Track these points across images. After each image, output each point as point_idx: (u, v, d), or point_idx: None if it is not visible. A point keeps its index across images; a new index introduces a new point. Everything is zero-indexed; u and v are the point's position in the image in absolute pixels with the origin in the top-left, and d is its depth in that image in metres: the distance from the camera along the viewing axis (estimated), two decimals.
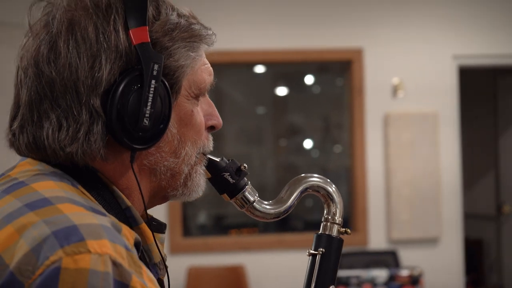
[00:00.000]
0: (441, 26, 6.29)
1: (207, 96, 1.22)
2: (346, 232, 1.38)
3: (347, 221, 6.34)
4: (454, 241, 6.27)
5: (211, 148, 1.24)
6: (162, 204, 4.51)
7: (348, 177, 6.46)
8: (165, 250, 4.27)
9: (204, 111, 1.21)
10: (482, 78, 8.00)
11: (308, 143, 7.46)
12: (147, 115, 1.06)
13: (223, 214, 7.36)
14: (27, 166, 1.10)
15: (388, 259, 6.06)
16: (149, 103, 1.06)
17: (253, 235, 6.55)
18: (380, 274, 5.73)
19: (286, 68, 7.20)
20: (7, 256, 0.93)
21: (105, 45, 1.06)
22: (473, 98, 7.98)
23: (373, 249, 6.14)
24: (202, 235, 6.74)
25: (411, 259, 6.13)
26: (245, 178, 1.28)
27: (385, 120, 6.20)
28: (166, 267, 1.20)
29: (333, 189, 1.37)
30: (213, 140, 1.25)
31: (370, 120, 6.22)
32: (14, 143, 1.11)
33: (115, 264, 0.93)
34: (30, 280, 0.91)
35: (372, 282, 5.70)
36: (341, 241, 1.37)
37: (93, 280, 0.91)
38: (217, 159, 1.25)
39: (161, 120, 1.09)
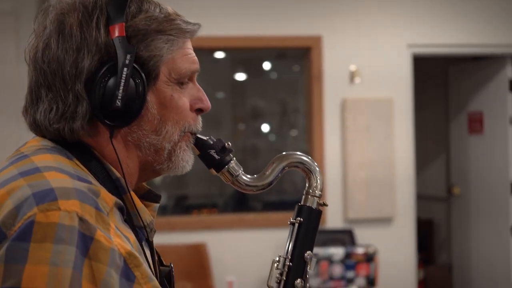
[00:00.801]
0: (397, 17, 6.38)
1: (195, 82, 1.36)
2: (324, 204, 1.47)
3: None
4: (407, 221, 6.39)
5: (199, 128, 1.36)
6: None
7: None
8: None
9: (192, 96, 1.34)
10: (435, 66, 8.09)
11: (265, 127, 7.51)
12: (119, 97, 1.21)
13: (184, 195, 7.42)
14: (34, 142, 1.27)
15: (345, 237, 6.14)
16: (121, 87, 1.21)
17: (215, 214, 6.61)
18: (337, 251, 5.82)
19: (245, 54, 7.22)
20: None
21: (87, 40, 1.23)
22: (426, 85, 8.07)
23: (330, 228, 6.21)
24: (164, 215, 6.78)
25: (366, 238, 6.23)
26: (230, 155, 1.39)
27: (342, 106, 6.27)
28: (154, 230, 1.32)
29: (315, 165, 1.47)
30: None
31: (328, 106, 6.28)
32: (26, 123, 1.30)
33: (81, 219, 1.07)
34: (11, 232, 1.06)
35: (329, 259, 5.79)
36: (319, 212, 1.46)
37: (60, 232, 1.05)
38: (205, 138, 1.37)
39: (134, 102, 1.23)
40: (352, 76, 6.29)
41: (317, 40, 6.28)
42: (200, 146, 1.38)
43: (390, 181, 6.32)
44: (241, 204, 7.21)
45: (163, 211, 7.05)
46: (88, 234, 1.08)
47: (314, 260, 1.44)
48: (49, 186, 1.11)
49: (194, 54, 1.35)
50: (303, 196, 1.47)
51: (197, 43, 5.34)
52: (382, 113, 6.31)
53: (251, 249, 6.11)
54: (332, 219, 6.26)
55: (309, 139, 6.42)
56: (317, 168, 1.47)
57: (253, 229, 6.19)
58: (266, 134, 7.55)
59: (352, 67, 6.29)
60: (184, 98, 1.32)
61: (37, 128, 1.27)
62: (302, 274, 1.42)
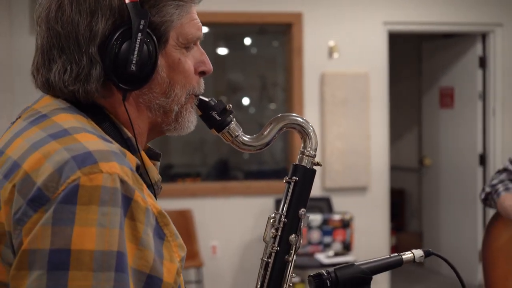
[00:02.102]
0: None
1: (199, 46, 1.35)
2: (318, 164, 1.47)
3: (284, 172, 6.54)
4: (381, 190, 6.49)
5: (202, 90, 1.37)
6: None
7: (285, 132, 6.61)
8: None
9: (195, 59, 1.33)
10: (409, 43, 8.14)
11: (246, 100, 7.55)
12: (134, 62, 1.20)
13: (170, 164, 7.46)
14: (48, 101, 1.25)
15: (322, 205, 6.22)
16: (135, 52, 1.20)
17: (198, 183, 6.66)
18: (315, 218, 5.88)
19: (227, 29, 7.22)
20: (34, 175, 1.07)
21: (101, 4, 1.20)
22: (400, 60, 8.13)
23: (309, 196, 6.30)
24: None
25: (342, 205, 6.32)
26: (231, 116, 1.40)
27: (321, 79, 6.31)
28: (160, 187, 1.33)
29: (310, 126, 1.48)
30: None
31: (307, 79, 6.32)
32: (35, 83, 1.28)
33: (122, 181, 1.08)
34: (55, 195, 1.04)
35: (308, 225, 5.85)
36: (313, 171, 1.47)
37: (105, 194, 1.05)
38: (207, 99, 1.38)
39: (147, 66, 1.23)
40: (330, 51, 6.32)
41: (298, 16, 6.30)
42: (203, 107, 1.38)
43: (366, 152, 6.39)
44: (223, 173, 7.28)
45: None
46: (128, 195, 1.08)
47: (307, 216, 1.47)
48: (86, 149, 1.09)
49: (199, 20, 1.34)
50: (299, 156, 1.46)
51: None
52: (358, 87, 6.35)
53: (233, 215, 6.18)
54: None
55: (289, 111, 6.47)
56: (312, 129, 1.48)
57: (235, 197, 6.25)
58: (246, 107, 7.57)
59: (331, 43, 6.32)
60: (190, 62, 1.31)
61: (49, 88, 1.25)
62: (296, 230, 1.44)
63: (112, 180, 1.07)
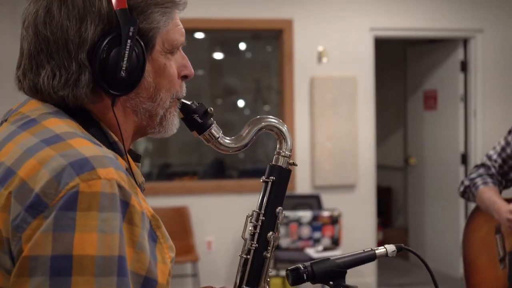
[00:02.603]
0: (360, 2, 6.43)
1: (181, 51, 1.31)
2: (293, 164, 1.46)
3: None
4: (368, 188, 6.50)
5: (184, 94, 1.33)
6: None
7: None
8: None
9: (178, 63, 1.29)
10: (395, 48, 8.12)
11: (241, 103, 7.54)
12: (123, 68, 1.16)
13: (167, 163, 7.46)
14: (36, 105, 1.19)
15: (312, 202, 6.22)
16: (125, 58, 1.16)
17: (195, 181, 6.67)
18: (305, 214, 5.90)
19: (222, 35, 7.23)
20: (31, 182, 1.03)
21: (90, 10, 1.15)
22: (386, 64, 8.11)
23: (300, 194, 6.29)
24: (149, 181, 6.80)
25: (331, 203, 6.32)
26: (212, 119, 1.37)
27: (311, 83, 6.32)
28: (144, 189, 1.28)
29: (285, 128, 1.46)
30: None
31: (297, 83, 6.33)
32: (20, 87, 1.23)
33: (120, 187, 1.05)
34: (54, 201, 1.01)
35: (298, 221, 5.88)
36: (289, 171, 1.45)
37: (104, 200, 1.02)
38: (189, 103, 1.35)
39: (136, 71, 1.19)
40: (320, 56, 6.33)
41: (289, 23, 6.31)
42: (185, 110, 1.35)
43: (353, 151, 6.40)
44: (219, 171, 7.27)
45: (148, 177, 7.09)
46: (126, 200, 1.06)
47: (283, 214, 1.45)
48: (82, 155, 1.06)
49: (182, 26, 1.30)
50: (275, 157, 1.45)
51: None
52: (346, 90, 6.36)
53: (228, 212, 6.17)
54: (301, 186, 6.34)
55: (281, 113, 6.47)
56: (287, 131, 1.46)
57: (230, 194, 6.25)
58: (242, 109, 7.57)
59: (320, 48, 6.33)
60: (174, 66, 1.28)
61: (37, 92, 1.19)
62: (274, 227, 1.44)
63: (110, 186, 1.04)
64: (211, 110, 1.38)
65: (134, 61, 1.18)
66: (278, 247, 5.67)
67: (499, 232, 2.84)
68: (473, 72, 6.70)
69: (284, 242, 5.78)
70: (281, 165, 1.45)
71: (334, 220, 5.90)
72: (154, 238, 1.13)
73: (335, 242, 5.94)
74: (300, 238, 5.83)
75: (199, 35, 7.09)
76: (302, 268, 1.42)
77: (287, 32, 6.31)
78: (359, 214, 6.43)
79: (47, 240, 1.00)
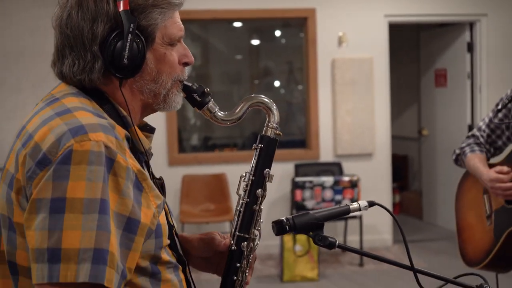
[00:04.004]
0: None
1: (182, 42, 1.41)
2: (279, 134, 1.51)
3: (304, 142, 6.56)
4: (384, 156, 6.47)
5: (186, 77, 1.43)
6: (163, 129, 4.85)
7: (305, 110, 6.65)
8: (164, 163, 4.67)
9: (180, 53, 1.40)
10: (409, 32, 8.03)
11: (276, 83, 7.56)
12: (125, 56, 1.29)
13: (210, 136, 7.52)
14: (62, 87, 1.34)
15: (334, 169, 6.26)
16: (127, 49, 1.29)
17: (232, 151, 6.71)
18: (328, 179, 5.92)
19: (259, 24, 7.24)
20: (42, 144, 1.18)
21: (100, 12, 1.29)
22: (402, 47, 8.04)
23: (323, 161, 6.32)
24: (193, 152, 6.88)
25: (351, 169, 6.34)
26: (209, 97, 1.45)
27: (332, 64, 6.31)
28: (151, 154, 1.40)
29: (273, 105, 1.51)
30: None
31: (321, 64, 6.32)
32: (54, 73, 1.37)
33: (106, 147, 1.17)
34: (55, 158, 1.15)
35: (322, 185, 5.90)
36: (276, 140, 1.51)
37: (92, 156, 1.15)
38: (190, 84, 1.43)
39: (137, 59, 1.31)
40: (340, 40, 6.30)
41: (312, 11, 6.29)
42: (187, 90, 1.43)
43: (370, 124, 6.38)
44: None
45: (193, 149, 7.20)
46: (111, 157, 1.17)
47: (271, 175, 1.52)
48: (80, 122, 1.18)
49: (181, 23, 1.40)
50: (264, 128, 1.50)
51: (218, 15, 5.47)
52: (364, 70, 6.32)
53: None
54: (324, 154, 6.36)
55: (306, 92, 6.49)
56: (275, 107, 1.51)
57: None
58: (277, 89, 7.57)
59: (340, 33, 6.30)
60: (174, 55, 1.37)
61: (63, 77, 1.33)
62: (262, 186, 1.50)
63: (98, 146, 1.16)
64: (207, 90, 1.46)
65: (135, 51, 1.30)
66: (304, 208, 5.70)
67: (487, 193, 2.83)
68: (478, 52, 6.60)
69: (310, 203, 5.82)
70: (269, 135, 1.51)
71: (354, 184, 5.90)
72: (139, 188, 1.22)
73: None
74: (323, 200, 5.86)
75: (238, 24, 7.10)
76: (285, 221, 1.46)
77: (311, 19, 6.30)
78: (376, 179, 6.42)
79: (48, 187, 1.14)
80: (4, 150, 1.48)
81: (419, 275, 1.50)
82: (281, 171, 6.25)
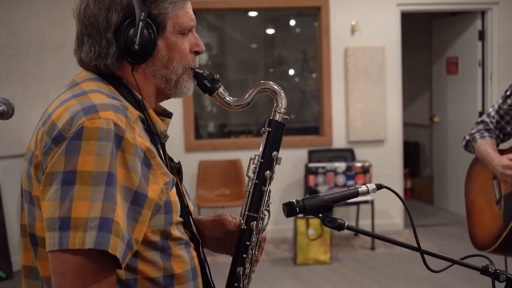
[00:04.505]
0: None
1: (194, 32, 1.44)
2: (287, 119, 1.52)
3: (318, 128, 6.55)
4: (395, 142, 6.44)
5: (197, 65, 1.46)
6: (180, 117, 4.86)
7: (317, 98, 6.62)
8: (181, 150, 4.69)
9: (191, 42, 1.43)
10: (421, 20, 7.96)
11: (291, 71, 7.55)
12: (137, 43, 1.33)
13: (226, 123, 7.53)
14: (83, 73, 1.39)
15: (347, 155, 6.25)
16: (138, 36, 1.33)
17: (248, 138, 6.72)
18: (340, 165, 5.92)
19: (274, 13, 7.22)
20: (58, 122, 1.23)
21: (115, 2, 1.34)
22: (414, 35, 7.98)
23: (336, 148, 6.31)
24: (209, 138, 6.91)
25: (363, 155, 6.32)
26: (219, 83, 1.47)
27: (345, 52, 6.27)
28: (167, 136, 1.43)
29: (281, 91, 1.52)
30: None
31: (334, 53, 6.29)
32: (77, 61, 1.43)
33: (115, 124, 1.21)
34: (68, 134, 1.19)
35: (334, 171, 5.91)
36: (283, 124, 1.52)
37: (101, 133, 1.19)
38: (201, 71, 1.46)
39: (148, 45, 1.35)
40: (352, 29, 6.27)
41: (325, 1, 6.26)
42: (197, 77, 1.45)
43: (382, 111, 6.35)
44: None
45: (209, 135, 7.22)
46: (120, 134, 1.21)
47: (279, 158, 1.52)
48: (92, 102, 1.23)
49: (192, 13, 1.43)
50: (272, 113, 1.51)
51: (233, 5, 5.44)
52: (376, 58, 6.29)
53: None
54: (337, 141, 6.35)
55: (319, 80, 6.47)
56: (283, 93, 1.52)
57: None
58: (292, 77, 7.57)
59: (353, 22, 6.26)
60: (185, 43, 1.41)
61: (82, 64, 1.39)
62: (270, 168, 1.51)
63: (107, 124, 1.20)
64: (217, 76, 1.48)
65: (146, 38, 1.34)
66: (317, 192, 5.68)
67: (496, 178, 2.81)
68: (489, 40, 6.53)
69: (323, 188, 5.81)
70: (277, 119, 1.51)
71: (366, 170, 5.90)
72: (148, 165, 1.26)
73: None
74: (336, 185, 5.86)
75: (253, 13, 7.07)
76: (295, 203, 1.47)
77: (324, 8, 6.26)
78: (387, 165, 6.40)
79: (61, 161, 1.19)
80: (27, 136, 1.51)
81: (427, 257, 1.50)
82: (295, 157, 6.25)
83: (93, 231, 1.15)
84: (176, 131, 6.00)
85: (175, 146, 5.97)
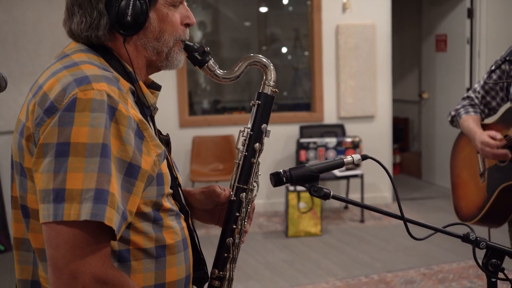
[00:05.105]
0: None
1: (185, 4, 1.42)
2: (276, 91, 1.51)
3: (309, 105, 6.55)
4: (385, 118, 6.45)
5: (187, 37, 1.44)
6: (174, 93, 4.82)
7: (309, 75, 6.59)
8: (175, 125, 4.68)
9: (182, 14, 1.40)
10: None
11: (284, 49, 7.52)
12: (129, 14, 1.30)
13: (219, 100, 7.52)
14: (73, 45, 1.36)
15: (337, 130, 6.25)
16: (130, 7, 1.30)
17: (241, 114, 6.72)
18: (331, 140, 5.95)
19: None
20: (50, 93, 1.20)
21: None
22: (402, 13, 7.94)
23: (327, 123, 6.31)
24: (203, 114, 6.90)
25: (353, 131, 6.33)
26: (210, 56, 1.45)
27: (336, 30, 6.24)
28: (156, 108, 1.41)
29: (270, 63, 1.50)
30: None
31: (325, 30, 6.26)
32: (66, 32, 1.39)
33: (109, 96, 1.18)
34: (61, 106, 1.17)
35: (325, 146, 5.93)
36: (272, 97, 1.51)
37: (95, 104, 1.16)
38: (191, 44, 1.44)
39: (140, 17, 1.32)
40: (344, 7, 6.23)
41: None
42: (188, 50, 1.43)
43: (373, 88, 6.34)
44: None
45: (203, 112, 7.20)
46: (113, 105, 1.18)
47: (268, 131, 1.52)
48: (84, 74, 1.20)
49: None
50: (261, 86, 1.50)
51: None
52: (367, 35, 6.26)
53: (267, 139, 6.22)
54: (328, 117, 6.35)
55: (311, 57, 6.45)
56: (271, 66, 1.50)
57: (269, 125, 6.28)
58: (285, 55, 7.54)
59: (344, 0, 6.22)
60: (176, 15, 1.39)
61: (72, 35, 1.36)
62: (260, 140, 1.51)
63: (100, 95, 1.17)
64: (207, 49, 1.45)
65: (138, 9, 1.31)
66: None
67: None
68: (478, 18, 6.50)
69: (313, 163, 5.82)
70: (266, 92, 1.50)
71: (356, 145, 5.92)
72: (141, 136, 1.24)
73: (356, 164, 5.94)
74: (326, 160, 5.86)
75: None
76: (282, 173, 1.47)
77: None
78: (377, 140, 6.41)
79: (54, 132, 1.16)
80: None
81: (412, 227, 1.51)
82: (287, 133, 6.25)
83: (88, 203, 1.13)
84: (170, 107, 5.99)
85: (169, 122, 5.96)
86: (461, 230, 1.58)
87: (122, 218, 1.18)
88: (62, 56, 1.31)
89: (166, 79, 5.94)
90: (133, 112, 1.23)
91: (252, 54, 1.50)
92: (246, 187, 1.49)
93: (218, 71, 1.47)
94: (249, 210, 1.51)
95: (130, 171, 1.20)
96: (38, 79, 1.29)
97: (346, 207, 6.40)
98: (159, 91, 1.48)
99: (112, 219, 1.15)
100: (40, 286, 1.30)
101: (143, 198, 1.25)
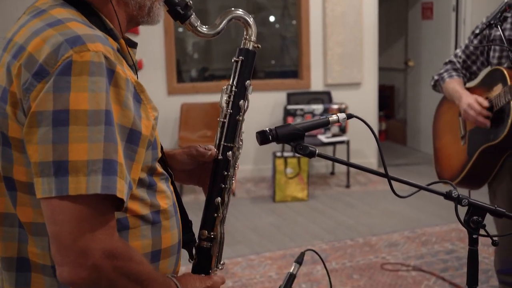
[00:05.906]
0: None
1: None
2: (258, 47, 1.45)
3: (297, 72, 6.52)
4: (371, 86, 6.44)
5: None
6: (162, 60, 4.78)
7: (296, 42, 6.55)
8: (163, 93, 4.65)
9: None
10: None
11: (271, 18, 7.46)
12: None
13: (207, 67, 7.46)
14: None
15: (324, 97, 6.24)
16: None
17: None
18: (318, 107, 5.95)
19: None
20: (37, 55, 1.07)
21: None
22: None
23: (313, 90, 6.29)
24: (191, 82, 6.85)
25: (340, 98, 6.32)
26: (191, 11, 1.37)
27: None
28: (137, 68, 1.31)
29: (250, 18, 1.43)
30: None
31: None
32: None
33: (106, 57, 1.07)
34: (53, 69, 1.05)
35: (312, 113, 5.94)
36: (254, 52, 1.44)
37: (93, 67, 1.05)
38: None
39: None
40: None
41: None
42: (169, 4, 1.35)
43: (359, 55, 6.32)
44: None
45: (191, 79, 7.16)
46: (111, 68, 1.08)
47: (251, 87, 1.47)
48: (75, 33, 1.08)
49: None
50: (243, 41, 1.44)
51: None
52: (353, 3, 6.21)
53: (255, 106, 6.14)
54: (315, 84, 6.33)
55: (298, 25, 6.40)
56: (252, 21, 1.44)
57: (257, 92, 6.22)
58: (273, 23, 7.48)
59: None
60: None
61: None
62: (244, 97, 1.47)
63: (98, 57, 1.06)
64: (190, 3, 1.38)
65: None
66: None
67: (462, 115, 2.83)
68: None
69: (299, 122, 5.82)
70: (248, 47, 1.44)
71: (342, 112, 5.86)
72: (138, 100, 1.15)
73: (342, 130, 5.98)
74: None
75: None
76: (268, 131, 1.44)
77: None
78: (363, 108, 6.40)
79: (49, 98, 1.04)
80: None
81: (396, 188, 1.51)
82: (274, 100, 6.23)
83: (97, 175, 1.03)
84: (158, 75, 5.94)
85: (157, 90, 5.92)
86: (445, 190, 1.58)
87: (129, 188, 1.11)
88: (38, 12, 1.17)
89: (154, 47, 5.88)
90: (129, 73, 1.14)
91: (232, 9, 1.44)
92: (232, 145, 1.46)
93: (200, 27, 1.40)
94: (236, 168, 1.47)
95: (132, 137, 1.12)
96: (14, 38, 1.16)
97: (332, 173, 6.42)
98: (136, 48, 1.38)
99: (123, 190, 1.07)
100: (29, 262, 1.19)
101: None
